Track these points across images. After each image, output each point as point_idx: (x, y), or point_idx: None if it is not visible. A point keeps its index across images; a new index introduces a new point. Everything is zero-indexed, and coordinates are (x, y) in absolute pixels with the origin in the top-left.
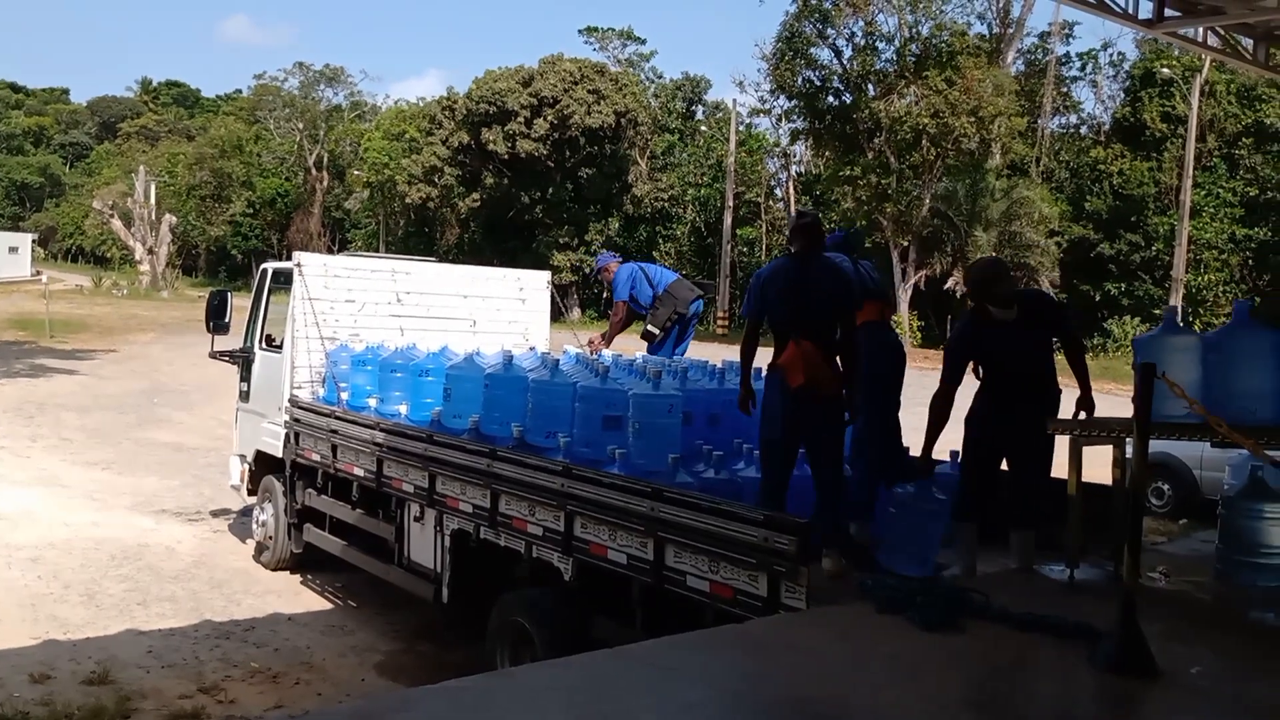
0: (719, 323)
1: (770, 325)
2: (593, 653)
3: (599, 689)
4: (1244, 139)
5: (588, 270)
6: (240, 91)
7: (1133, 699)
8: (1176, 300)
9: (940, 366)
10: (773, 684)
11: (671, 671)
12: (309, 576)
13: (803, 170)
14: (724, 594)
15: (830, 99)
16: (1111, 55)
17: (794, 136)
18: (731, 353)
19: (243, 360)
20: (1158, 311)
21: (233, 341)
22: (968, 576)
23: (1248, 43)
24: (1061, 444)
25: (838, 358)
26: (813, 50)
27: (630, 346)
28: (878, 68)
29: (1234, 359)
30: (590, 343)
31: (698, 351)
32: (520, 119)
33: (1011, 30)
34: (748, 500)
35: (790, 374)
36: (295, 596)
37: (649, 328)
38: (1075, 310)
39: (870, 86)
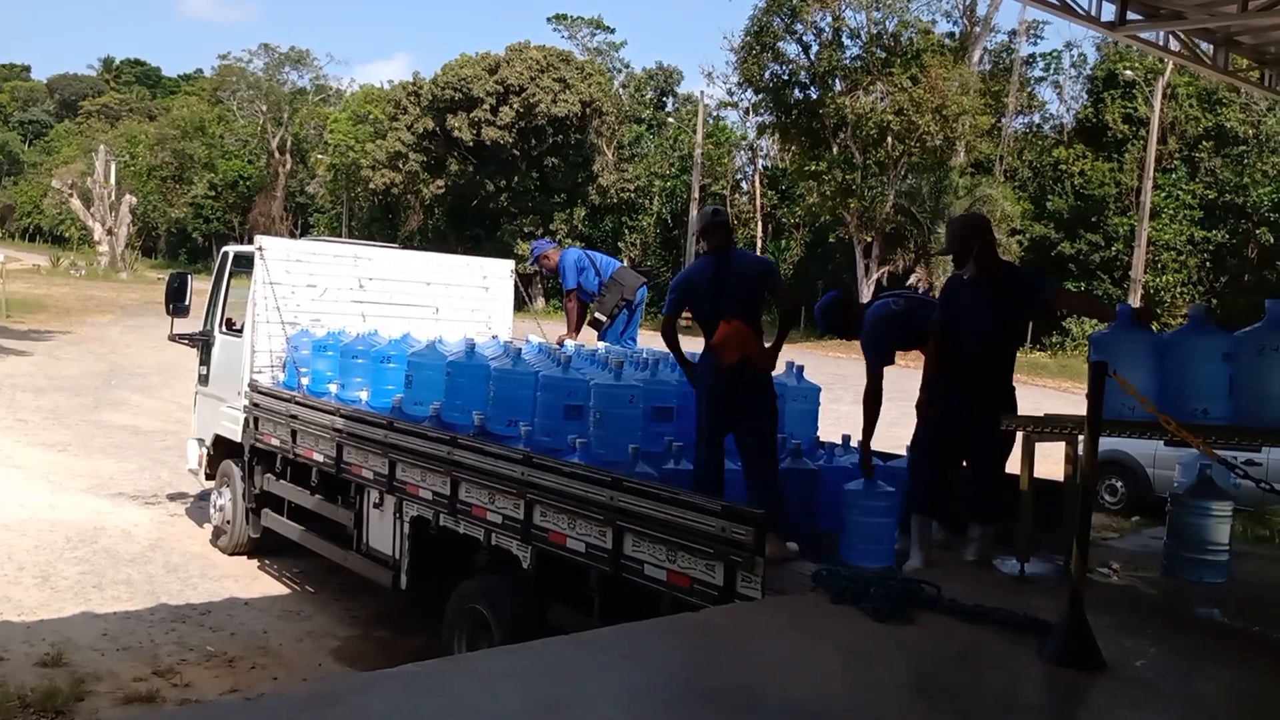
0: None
1: (696, 319)
2: (549, 639)
3: (554, 675)
4: (1204, 142)
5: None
6: (202, 71)
7: (1078, 690)
8: (1135, 300)
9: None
10: (725, 672)
11: (626, 658)
12: (266, 562)
13: (769, 164)
14: (681, 583)
15: (797, 93)
16: (1074, 56)
17: (761, 130)
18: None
19: (202, 343)
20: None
21: (192, 324)
22: (924, 569)
23: (1208, 47)
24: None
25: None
26: (780, 44)
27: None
28: (844, 63)
29: (1186, 360)
30: (559, 341)
31: (645, 342)
32: (486, 106)
33: (978, 29)
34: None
35: (723, 353)
36: (252, 581)
37: (597, 315)
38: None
39: (837, 82)
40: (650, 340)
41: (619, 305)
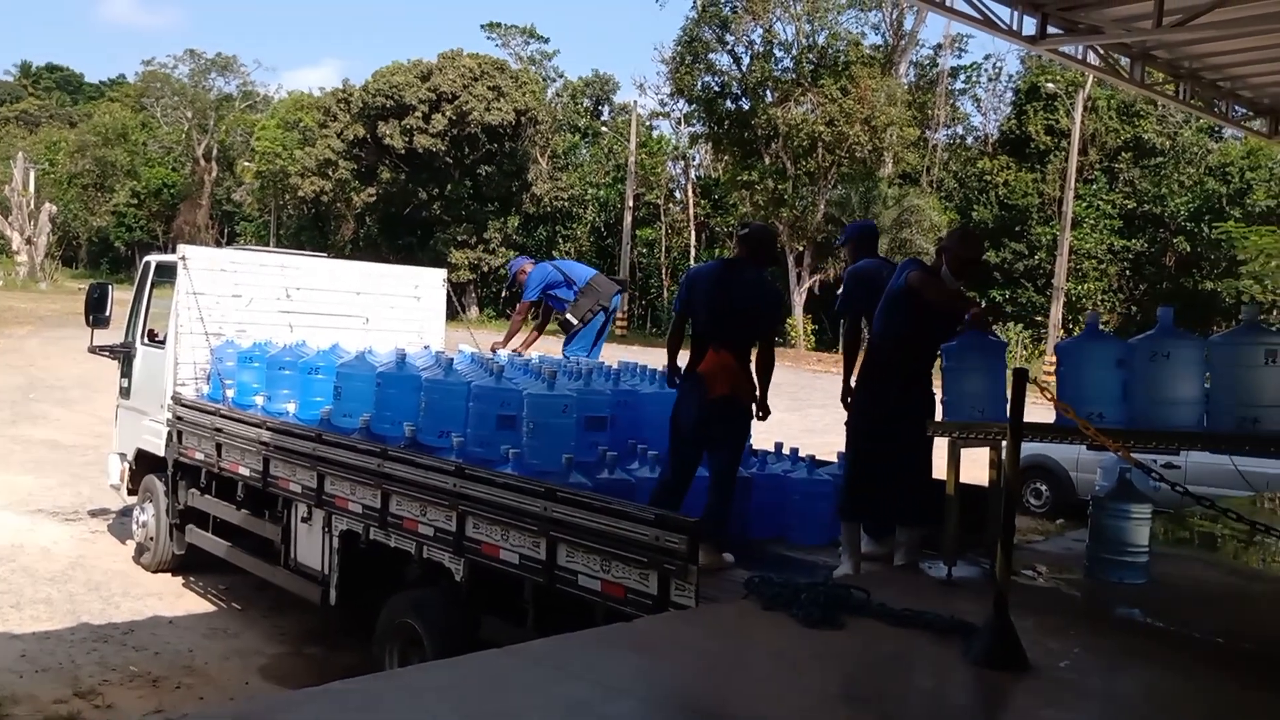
0: (618, 323)
1: (692, 326)
2: (481, 652)
3: (487, 688)
4: (1123, 153)
5: (486, 269)
6: (125, 77)
7: (1003, 692)
8: (1057, 308)
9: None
10: (660, 681)
11: (560, 670)
12: (191, 578)
13: (702, 174)
14: (615, 593)
15: (729, 104)
16: (996, 69)
17: (693, 140)
18: (630, 353)
19: (123, 356)
20: (1040, 318)
21: (113, 336)
22: (854, 575)
23: (1126, 61)
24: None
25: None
26: (712, 56)
27: (547, 346)
28: (775, 75)
29: (1082, 365)
30: (492, 349)
31: (615, 355)
32: (418, 114)
33: (904, 42)
34: (641, 500)
35: (711, 384)
36: (177, 599)
37: (568, 317)
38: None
39: (768, 93)
40: (624, 354)
41: (593, 310)
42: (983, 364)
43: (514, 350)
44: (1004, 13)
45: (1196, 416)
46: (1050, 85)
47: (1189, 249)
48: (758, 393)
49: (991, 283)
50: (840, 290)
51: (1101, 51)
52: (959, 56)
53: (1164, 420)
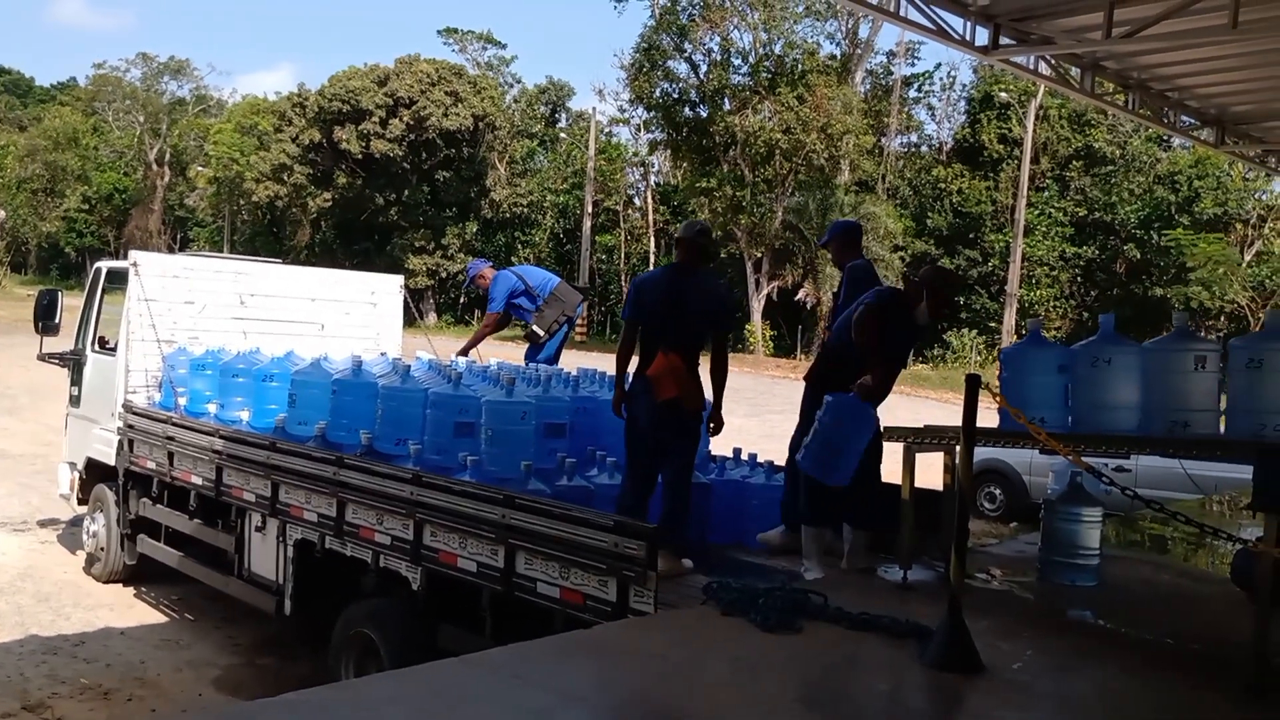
0: (577, 330)
1: (642, 332)
2: (438, 662)
3: (443, 698)
4: (1074, 162)
5: (444, 275)
6: (75, 80)
7: (957, 693)
8: (1010, 314)
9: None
10: (617, 687)
11: (518, 679)
12: (143, 589)
13: (661, 180)
14: (574, 600)
15: (687, 112)
16: (951, 78)
17: (652, 147)
18: (588, 359)
19: (73, 363)
20: (994, 324)
21: (63, 343)
22: (818, 581)
23: (1076, 72)
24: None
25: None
26: (670, 63)
27: (503, 353)
28: (733, 83)
29: (1026, 371)
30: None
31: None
32: (375, 119)
33: (860, 50)
34: (600, 507)
35: (660, 387)
36: (128, 610)
37: (535, 329)
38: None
39: (726, 101)
40: (583, 360)
41: (559, 321)
42: (849, 430)
43: (463, 352)
44: (957, 23)
45: (1135, 421)
46: (1003, 94)
47: (1139, 256)
48: (711, 399)
49: None
50: (839, 289)
51: (1053, 62)
52: (912, 65)
53: (1104, 424)
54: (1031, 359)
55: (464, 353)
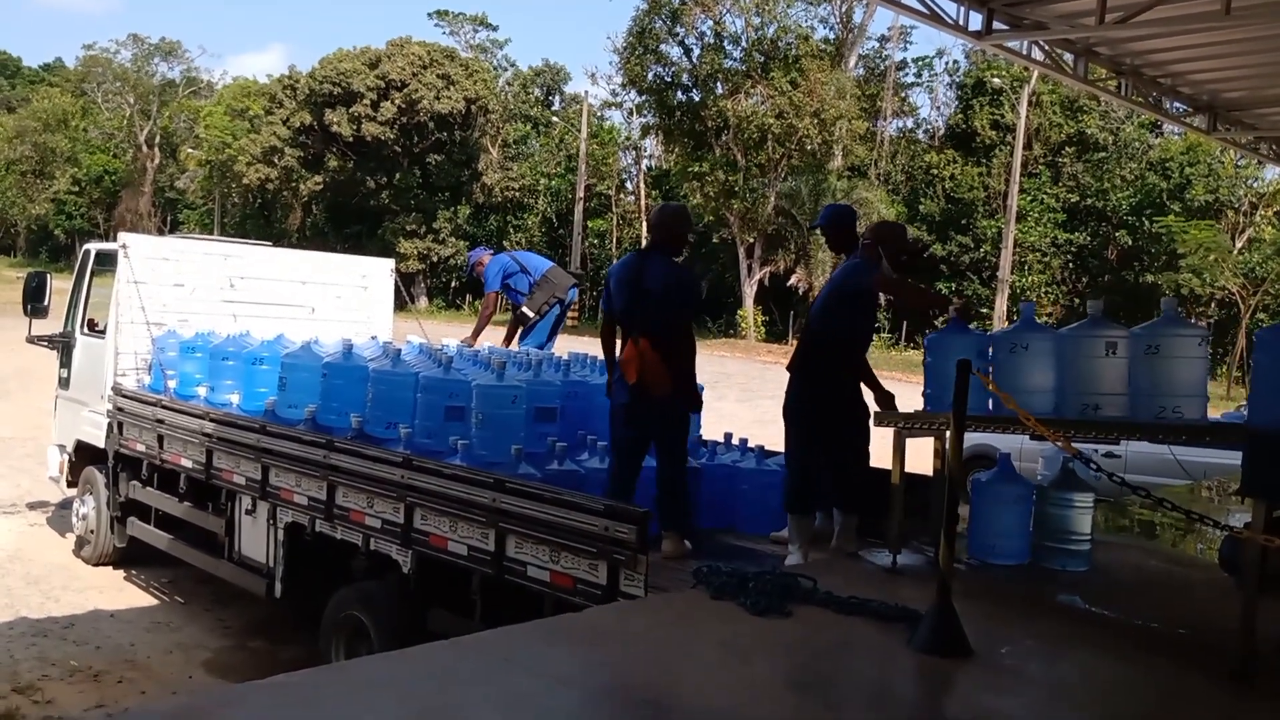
0: (570, 315)
1: (616, 319)
2: (428, 645)
3: (433, 681)
4: (1067, 148)
5: (435, 259)
6: (64, 62)
7: (946, 678)
8: (1001, 300)
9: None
10: (607, 671)
11: (508, 662)
12: (133, 572)
13: (653, 165)
14: (564, 583)
15: (680, 95)
16: (947, 63)
17: (645, 131)
18: (578, 345)
19: (62, 345)
20: (985, 310)
21: (52, 325)
22: (805, 564)
23: (1069, 57)
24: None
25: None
26: (663, 47)
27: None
28: (726, 67)
29: (947, 356)
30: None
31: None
32: (366, 101)
33: (853, 35)
34: (591, 491)
35: (627, 372)
36: (118, 592)
37: (524, 310)
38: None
39: (718, 85)
40: (574, 345)
41: (549, 303)
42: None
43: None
44: (951, 8)
45: (1051, 404)
46: (996, 80)
47: (1130, 242)
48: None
49: (938, 275)
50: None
51: (1046, 47)
52: (905, 49)
53: (1022, 407)
54: (953, 345)
55: (473, 340)
